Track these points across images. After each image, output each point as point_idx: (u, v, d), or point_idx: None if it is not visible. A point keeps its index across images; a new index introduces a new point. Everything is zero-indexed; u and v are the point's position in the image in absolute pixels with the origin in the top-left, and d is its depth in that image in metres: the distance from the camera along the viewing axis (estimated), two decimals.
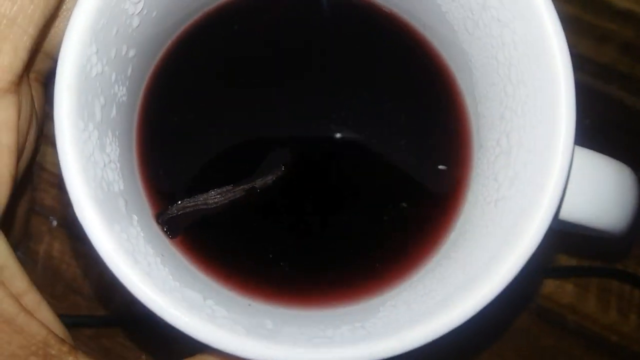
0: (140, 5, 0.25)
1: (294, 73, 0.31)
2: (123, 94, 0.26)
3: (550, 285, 0.40)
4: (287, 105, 0.30)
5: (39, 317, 0.24)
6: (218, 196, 0.27)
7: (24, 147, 0.25)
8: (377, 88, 0.31)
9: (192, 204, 0.27)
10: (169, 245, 0.26)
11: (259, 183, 0.28)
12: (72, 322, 0.37)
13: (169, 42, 0.29)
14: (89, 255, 0.39)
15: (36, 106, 0.26)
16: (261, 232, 0.28)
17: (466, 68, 0.29)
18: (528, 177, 0.24)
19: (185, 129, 0.29)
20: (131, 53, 0.26)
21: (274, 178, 0.28)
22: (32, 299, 0.25)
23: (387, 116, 0.31)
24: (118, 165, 0.25)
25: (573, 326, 0.39)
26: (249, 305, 0.26)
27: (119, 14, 0.24)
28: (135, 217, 0.25)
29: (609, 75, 0.41)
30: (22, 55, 0.23)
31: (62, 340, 0.23)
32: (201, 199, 0.28)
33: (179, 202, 0.27)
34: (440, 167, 0.30)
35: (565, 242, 0.39)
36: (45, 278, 0.38)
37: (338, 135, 0.30)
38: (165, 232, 0.27)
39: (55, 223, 0.39)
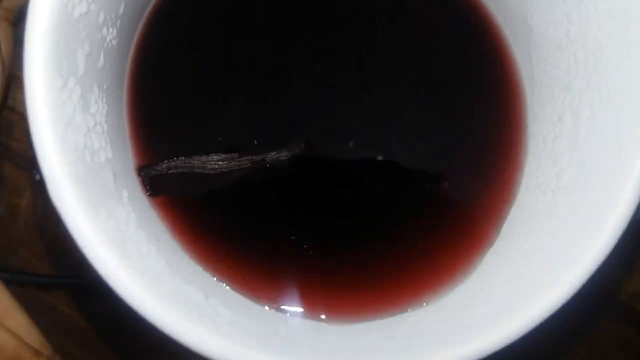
0: None
1: (322, 28, 0.25)
2: (113, 37, 0.21)
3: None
4: (310, 67, 0.25)
5: (9, 323, 0.20)
6: (220, 162, 0.23)
7: None
8: (408, 44, 0.26)
9: (187, 164, 0.23)
10: (165, 230, 0.22)
11: (270, 157, 0.23)
12: (54, 282, 0.34)
13: None
14: None
15: (3, 49, 0.21)
16: (270, 218, 0.24)
17: (522, 23, 0.24)
18: (599, 170, 0.20)
19: (187, 82, 0.24)
20: None
21: (290, 155, 0.23)
22: (2, 301, 0.21)
23: (420, 80, 0.26)
24: (105, 127, 0.20)
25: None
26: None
27: None
28: (125, 193, 0.20)
29: None
30: None
31: (36, 351, 0.20)
32: (198, 161, 0.23)
33: (172, 159, 0.23)
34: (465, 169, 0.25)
35: None
36: (27, 235, 0.34)
37: (367, 106, 0.25)
38: (146, 188, 0.22)
39: (38, 177, 0.35)
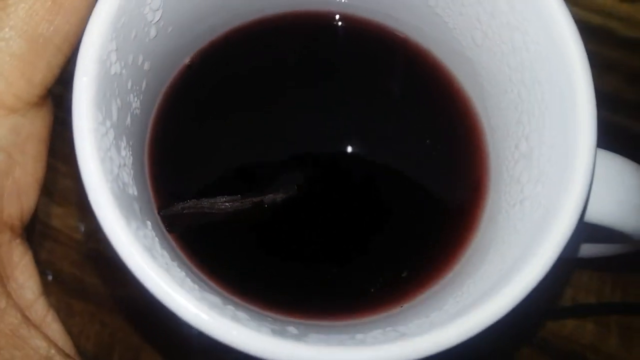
0: (159, 15, 0.25)
1: (310, 94, 0.31)
2: (137, 107, 0.26)
3: (569, 326, 0.39)
4: (303, 125, 0.31)
5: (45, 329, 0.22)
6: (226, 203, 0.27)
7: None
8: (388, 108, 0.31)
9: (197, 206, 0.27)
10: (182, 256, 0.25)
11: (267, 199, 0.27)
12: None
13: (183, 61, 0.29)
14: (85, 312, 0.37)
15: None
16: (271, 248, 0.28)
17: (476, 82, 0.29)
18: (553, 174, 0.24)
19: (197, 147, 0.29)
20: (146, 66, 0.26)
21: (284, 197, 0.28)
22: (40, 309, 0.23)
23: (399, 135, 0.31)
24: (132, 172, 0.24)
25: None
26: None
27: (138, 17, 0.24)
28: (149, 223, 0.23)
29: (615, 105, 0.41)
30: (55, 71, 0.23)
31: (67, 356, 0.21)
32: (207, 202, 0.27)
33: (186, 201, 0.27)
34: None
35: (583, 279, 0.39)
36: None
37: (350, 152, 0.30)
38: (165, 226, 0.26)
39: (50, 277, 0.38)
